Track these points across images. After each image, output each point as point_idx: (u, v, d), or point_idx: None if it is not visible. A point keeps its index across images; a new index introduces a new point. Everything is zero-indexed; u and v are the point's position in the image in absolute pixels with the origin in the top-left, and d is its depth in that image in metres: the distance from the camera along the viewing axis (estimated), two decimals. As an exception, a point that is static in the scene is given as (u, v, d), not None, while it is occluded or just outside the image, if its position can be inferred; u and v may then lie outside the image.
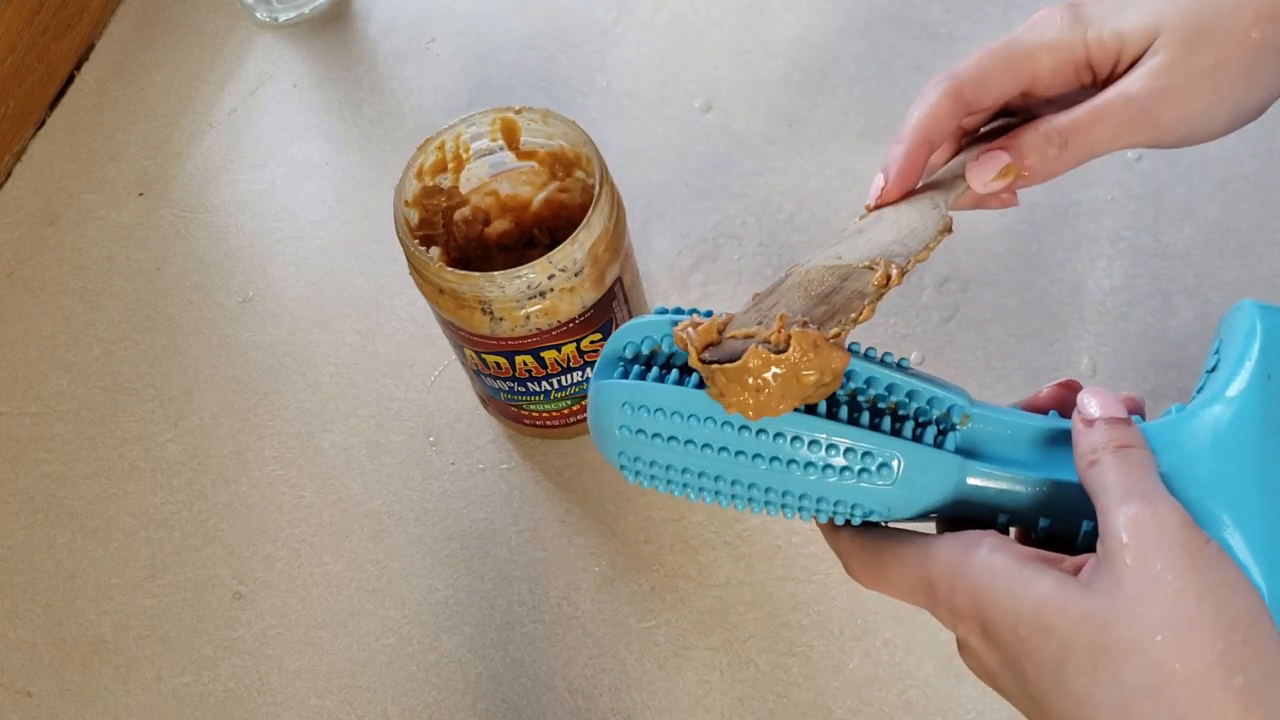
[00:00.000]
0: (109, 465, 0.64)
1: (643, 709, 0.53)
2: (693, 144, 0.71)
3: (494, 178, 0.57)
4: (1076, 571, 0.31)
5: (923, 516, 0.35)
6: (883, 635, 0.53)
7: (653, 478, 0.36)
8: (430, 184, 0.55)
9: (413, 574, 0.58)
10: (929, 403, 0.35)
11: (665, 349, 0.36)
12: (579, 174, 0.56)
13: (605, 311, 0.53)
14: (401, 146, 0.73)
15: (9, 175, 0.78)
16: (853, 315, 0.34)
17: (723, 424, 0.34)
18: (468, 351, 0.54)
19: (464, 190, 0.57)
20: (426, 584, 0.58)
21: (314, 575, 0.59)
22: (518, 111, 0.54)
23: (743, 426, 0.34)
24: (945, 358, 0.60)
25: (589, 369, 0.55)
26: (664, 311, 0.37)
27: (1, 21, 0.75)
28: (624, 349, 0.37)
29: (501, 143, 0.55)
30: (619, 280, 0.53)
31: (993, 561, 0.32)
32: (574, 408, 0.57)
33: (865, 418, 0.34)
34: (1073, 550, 0.34)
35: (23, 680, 0.58)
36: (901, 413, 0.35)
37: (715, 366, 0.33)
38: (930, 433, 0.35)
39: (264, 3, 0.81)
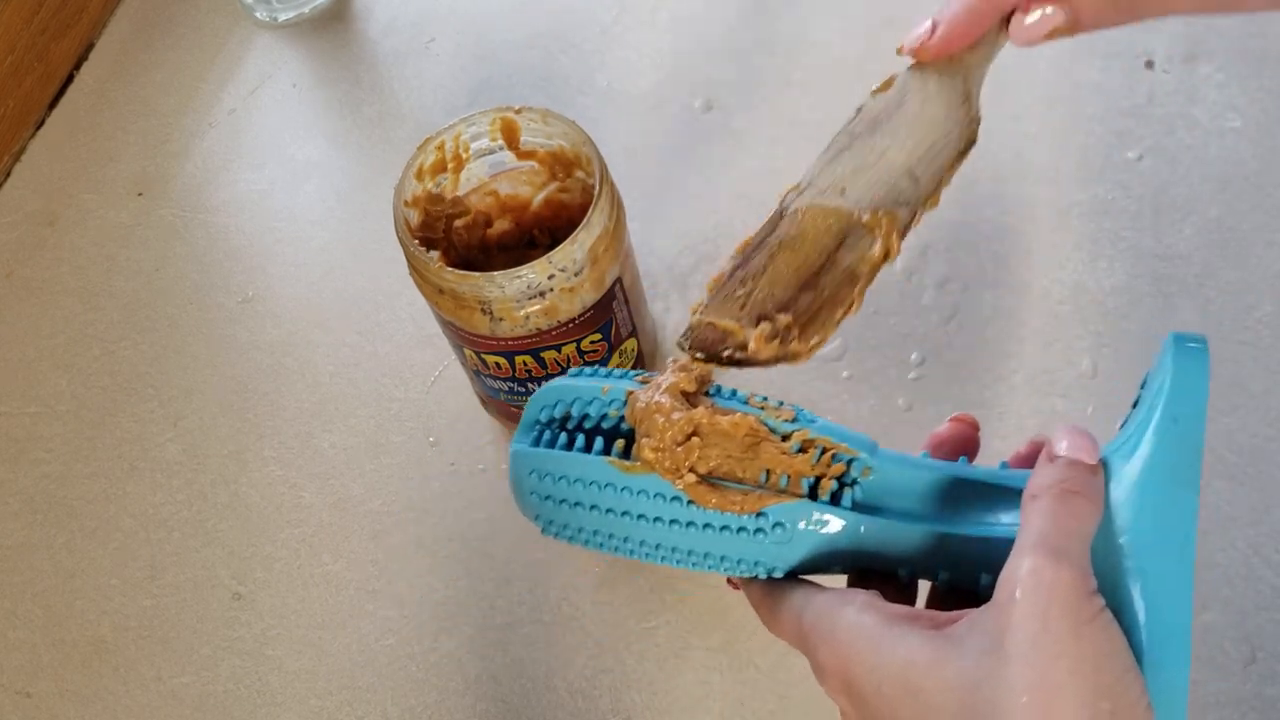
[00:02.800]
0: (108, 465, 0.64)
1: (643, 710, 0.53)
2: (693, 144, 0.71)
3: (494, 178, 0.57)
4: (947, 626, 0.30)
5: (826, 569, 0.35)
6: (883, 636, 0.53)
7: (569, 537, 0.37)
8: (432, 190, 0.55)
9: (412, 574, 0.58)
10: (830, 456, 0.35)
11: (576, 413, 0.37)
12: (579, 174, 0.56)
13: (605, 311, 0.52)
14: (401, 146, 0.73)
15: (8, 175, 0.78)
16: (839, 313, 0.34)
17: (622, 489, 0.35)
18: (468, 351, 0.54)
19: (464, 190, 0.57)
20: (426, 584, 0.58)
21: (314, 575, 0.59)
22: (518, 111, 0.54)
23: (640, 491, 0.35)
24: (945, 358, 0.60)
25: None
26: (580, 374, 0.38)
27: (1, 21, 0.75)
28: (540, 413, 0.38)
29: (501, 143, 0.55)
30: (619, 280, 0.53)
31: (860, 620, 0.31)
32: (574, 408, 0.57)
33: (763, 475, 0.35)
34: (975, 602, 0.33)
35: (22, 680, 0.58)
36: None
37: (645, 442, 0.34)
38: (829, 489, 0.35)
39: (264, 2, 0.81)
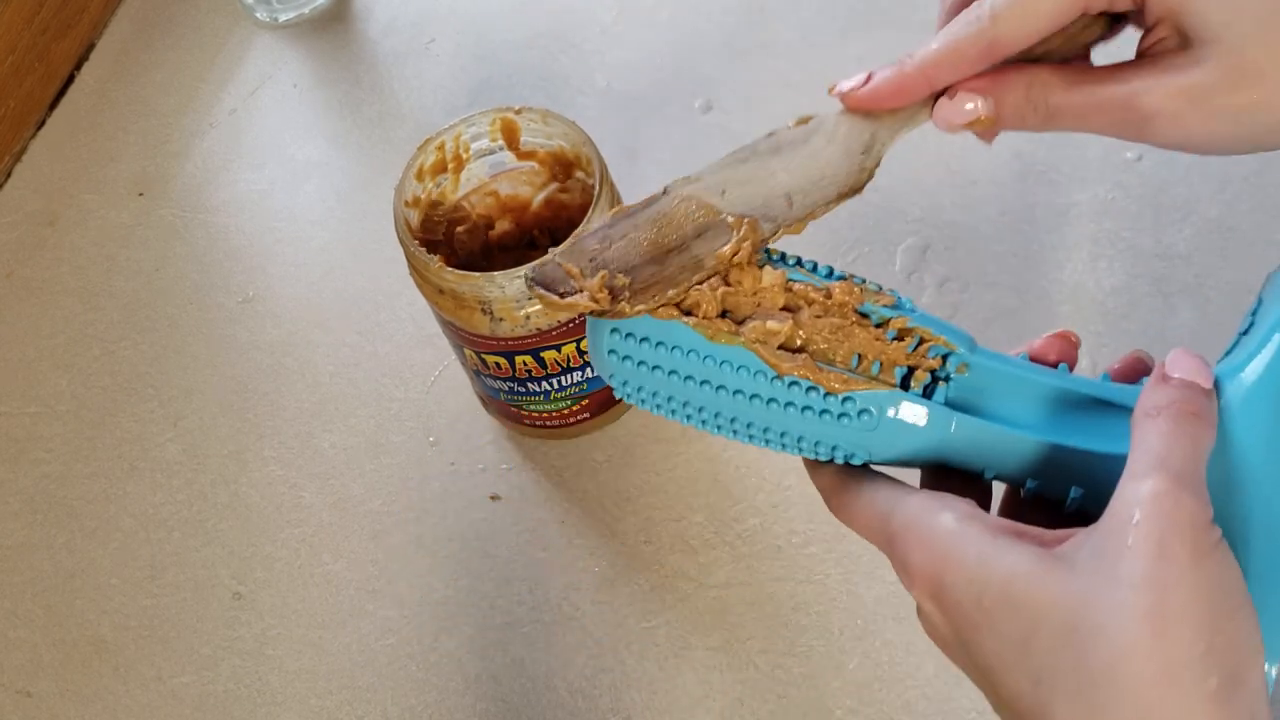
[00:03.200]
0: (109, 465, 0.64)
1: (642, 709, 0.53)
2: (693, 144, 0.71)
3: (494, 178, 0.57)
4: (1054, 544, 0.29)
5: (906, 463, 0.34)
6: (883, 635, 0.53)
7: (642, 401, 0.36)
8: (433, 197, 0.55)
9: (412, 574, 0.58)
10: (926, 348, 0.34)
11: None
12: (579, 174, 0.56)
13: (605, 311, 0.52)
14: (401, 146, 0.73)
15: (9, 175, 0.78)
16: (671, 291, 0.34)
17: (706, 358, 0.34)
18: (468, 351, 0.54)
19: (464, 190, 0.57)
20: (426, 584, 0.58)
21: (314, 575, 0.59)
22: (518, 111, 0.54)
23: (724, 361, 0.34)
24: (945, 358, 0.60)
25: (589, 369, 0.55)
26: None
27: (1, 21, 0.75)
28: None
29: (501, 143, 0.55)
30: (619, 280, 0.53)
31: (964, 529, 0.30)
32: (574, 408, 0.57)
33: (855, 359, 0.34)
34: (1060, 513, 0.33)
35: (23, 680, 0.58)
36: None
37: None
38: (922, 382, 0.34)
39: (264, 3, 0.81)
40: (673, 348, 0.34)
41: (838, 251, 0.64)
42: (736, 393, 0.34)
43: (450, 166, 0.55)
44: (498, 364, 0.53)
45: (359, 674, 0.56)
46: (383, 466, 0.62)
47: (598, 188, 0.50)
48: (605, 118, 0.72)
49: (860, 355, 0.34)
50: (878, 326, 0.34)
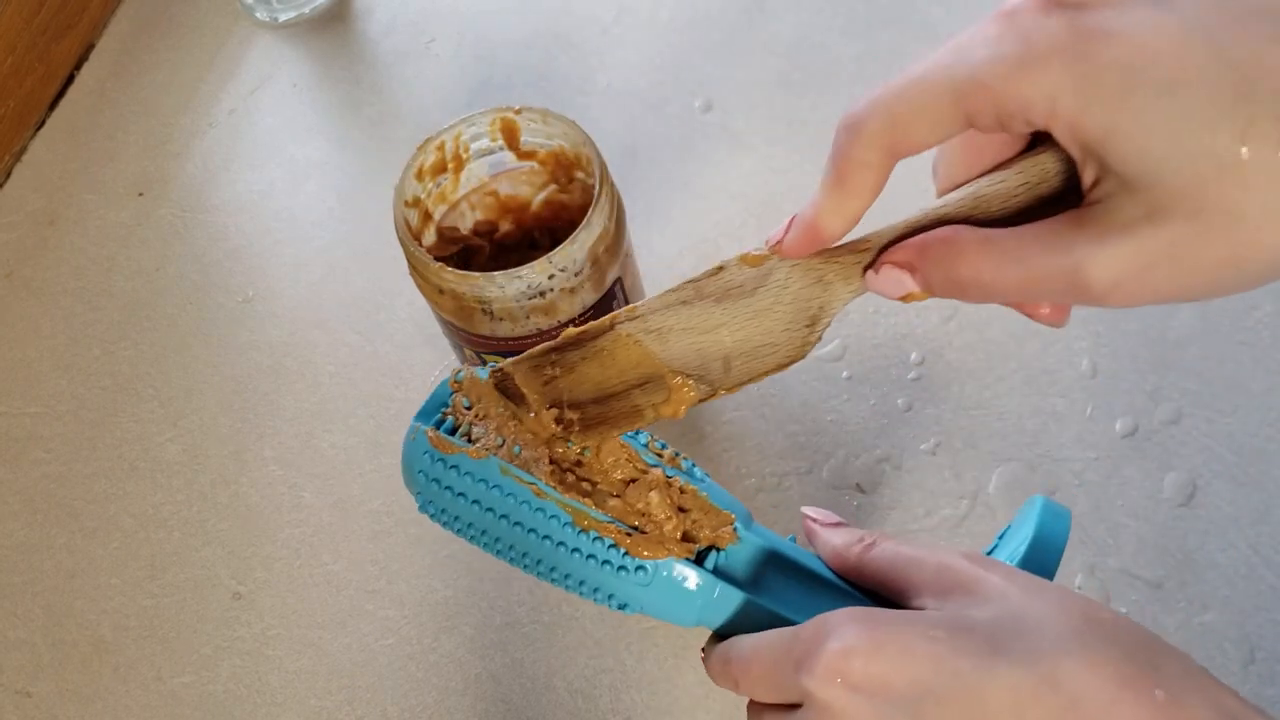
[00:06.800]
0: (109, 465, 0.64)
1: (643, 710, 0.53)
2: (693, 144, 0.71)
3: (494, 178, 0.57)
4: None
5: (679, 621, 0.37)
6: (883, 636, 0.53)
7: (445, 523, 0.39)
8: (448, 225, 0.55)
9: (412, 574, 0.58)
10: (706, 519, 0.38)
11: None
12: (579, 174, 0.56)
13: (605, 312, 0.52)
14: (401, 146, 0.73)
15: (9, 175, 0.78)
16: (615, 433, 0.38)
17: (507, 494, 0.37)
18: (467, 351, 0.54)
19: (463, 190, 0.57)
20: (426, 584, 0.58)
21: (314, 575, 0.59)
22: (518, 111, 0.54)
23: (523, 501, 0.37)
24: (945, 358, 0.60)
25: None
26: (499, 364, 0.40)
27: (1, 21, 0.75)
28: (449, 397, 0.39)
29: (501, 143, 0.55)
30: (619, 280, 0.53)
31: None
32: (574, 408, 0.57)
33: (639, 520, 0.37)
34: None
35: (22, 680, 0.58)
36: None
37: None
38: (697, 549, 0.37)
39: (264, 2, 0.81)
40: (479, 480, 0.37)
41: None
42: (530, 531, 0.37)
43: (450, 166, 0.55)
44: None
45: (359, 674, 0.56)
46: (383, 466, 0.62)
47: (598, 188, 0.50)
48: (605, 118, 0.72)
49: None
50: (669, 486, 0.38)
